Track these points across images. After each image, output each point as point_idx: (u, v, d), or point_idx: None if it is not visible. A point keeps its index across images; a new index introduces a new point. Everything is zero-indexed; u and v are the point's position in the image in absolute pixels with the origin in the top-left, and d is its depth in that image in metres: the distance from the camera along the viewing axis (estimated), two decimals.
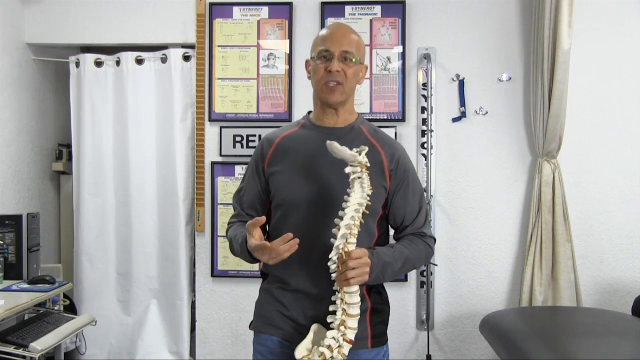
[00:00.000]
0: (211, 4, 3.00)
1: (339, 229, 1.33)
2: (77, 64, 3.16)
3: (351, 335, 1.33)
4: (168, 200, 3.08)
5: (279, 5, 2.98)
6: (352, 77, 1.51)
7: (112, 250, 3.16)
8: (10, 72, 3.02)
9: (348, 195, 1.36)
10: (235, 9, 3.00)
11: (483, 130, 2.94)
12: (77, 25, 3.09)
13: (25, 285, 2.58)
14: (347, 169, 1.36)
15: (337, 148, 1.34)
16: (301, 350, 1.35)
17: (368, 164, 1.37)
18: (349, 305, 1.33)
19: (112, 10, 3.06)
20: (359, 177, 1.35)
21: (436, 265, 2.91)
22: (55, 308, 2.69)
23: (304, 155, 1.53)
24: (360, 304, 1.35)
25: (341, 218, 1.34)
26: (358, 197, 1.34)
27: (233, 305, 3.00)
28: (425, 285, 2.92)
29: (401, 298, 2.95)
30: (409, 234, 1.56)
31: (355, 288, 1.34)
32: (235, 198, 1.66)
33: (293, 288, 1.51)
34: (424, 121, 2.93)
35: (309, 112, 1.63)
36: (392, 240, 1.60)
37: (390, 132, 2.90)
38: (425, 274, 2.92)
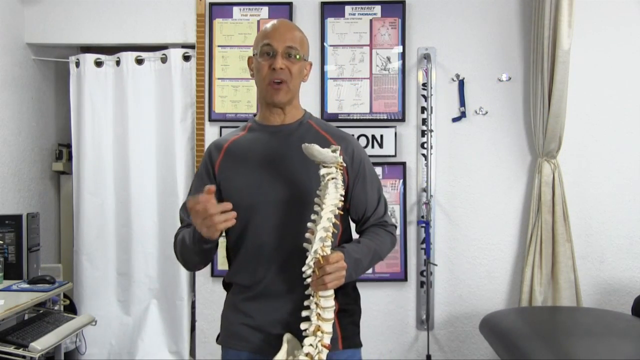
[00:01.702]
0: (211, 4, 3.00)
1: (313, 233, 1.28)
2: (77, 64, 3.16)
3: (327, 340, 1.29)
4: (168, 200, 3.08)
5: (279, 5, 2.98)
6: (297, 74, 1.47)
7: (112, 250, 3.16)
8: (10, 72, 3.02)
9: (320, 197, 1.32)
10: (235, 9, 3.00)
11: (483, 130, 2.94)
12: (77, 25, 3.09)
13: (25, 285, 2.58)
14: (322, 171, 1.31)
15: (318, 150, 1.28)
16: (280, 357, 1.31)
17: (344, 165, 1.34)
18: (324, 309, 1.29)
19: (112, 10, 3.06)
20: (333, 178, 1.31)
21: (436, 265, 2.91)
22: (55, 308, 2.69)
23: (257, 158, 1.48)
24: (334, 307, 1.31)
25: (314, 221, 1.29)
26: (333, 198, 1.30)
27: None
28: (425, 285, 2.92)
29: (401, 298, 2.95)
30: (371, 226, 1.53)
31: (331, 292, 1.30)
32: (182, 211, 1.57)
33: (258, 293, 1.45)
34: (424, 121, 2.93)
35: (254, 115, 1.60)
36: (354, 234, 1.58)
37: (390, 132, 2.90)
38: (425, 274, 2.92)
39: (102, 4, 3.07)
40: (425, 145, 2.92)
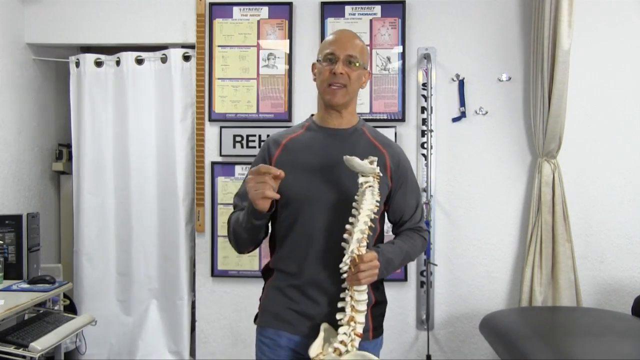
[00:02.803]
0: (211, 4, 3.00)
1: (350, 234, 1.42)
2: (77, 64, 3.16)
3: (360, 329, 1.43)
4: (168, 200, 3.08)
5: (279, 5, 2.98)
6: (355, 80, 1.58)
7: (112, 250, 3.16)
8: (11, 72, 3.02)
9: (357, 202, 1.45)
10: (235, 9, 3.00)
11: (483, 130, 2.94)
12: (77, 25, 3.09)
13: (25, 285, 2.58)
14: (361, 180, 1.44)
15: (358, 163, 1.42)
16: (315, 349, 1.43)
17: (381, 175, 1.47)
18: (357, 302, 1.43)
19: (112, 10, 3.06)
20: (370, 186, 1.44)
21: (436, 265, 2.91)
22: (55, 308, 2.69)
23: (313, 157, 1.58)
24: (367, 300, 1.45)
25: (352, 224, 1.43)
26: (369, 204, 1.43)
27: (233, 305, 3.00)
28: (425, 285, 2.92)
29: (401, 298, 2.95)
30: (407, 229, 1.66)
31: (364, 287, 1.44)
32: (235, 199, 1.67)
33: (304, 282, 1.55)
34: (424, 121, 2.93)
35: (312, 115, 1.70)
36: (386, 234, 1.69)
37: (390, 132, 2.90)
38: (425, 274, 2.92)
39: (102, 4, 3.07)
40: (425, 145, 2.92)
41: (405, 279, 2.94)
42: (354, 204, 1.46)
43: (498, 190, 2.94)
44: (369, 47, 2.94)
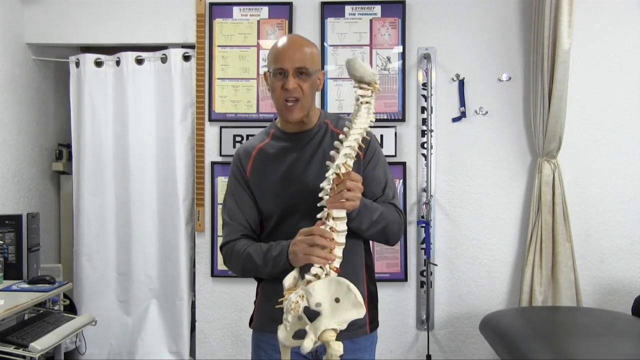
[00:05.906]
0: (211, 4, 3.00)
1: (338, 151, 1.30)
2: (77, 64, 3.16)
3: (337, 264, 1.28)
4: (168, 200, 3.08)
5: (279, 5, 2.98)
6: (309, 90, 1.52)
7: (112, 250, 3.16)
8: (10, 72, 3.02)
9: (351, 118, 1.35)
10: (235, 9, 3.00)
11: (483, 130, 2.94)
12: (77, 25, 3.09)
13: (25, 285, 2.58)
14: (359, 92, 1.35)
15: (360, 65, 1.31)
16: (289, 281, 1.30)
17: (379, 90, 1.37)
18: (338, 233, 1.30)
19: (112, 10, 3.06)
20: (367, 102, 1.34)
21: (436, 265, 2.91)
22: (55, 308, 2.69)
23: (285, 165, 1.56)
24: (346, 231, 1.33)
25: (341, 141, 1.32)
26: (363, 121, 1.33)
27: (233, 305, 3.00)
28: (425, 285, 2.92)
29: (401, 298, 2.95)
30: (381, 202, 1.58)
31: (344, 214, 1.31)
32: (224, 215, 1.63)
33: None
34: (424, 121, 2.93)
35: (275, 118, 1.66)
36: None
37: (390, 132, 2.90)
38: (425, 274, 2.92)
39: (102, 4, 3.07)
40: (425, 145, 2.92)
41: (405, 279, 2.94)
42: (346, 122, 1.35)
43: (498, 190, 2.94)
44: (368, 47, 2.94)
